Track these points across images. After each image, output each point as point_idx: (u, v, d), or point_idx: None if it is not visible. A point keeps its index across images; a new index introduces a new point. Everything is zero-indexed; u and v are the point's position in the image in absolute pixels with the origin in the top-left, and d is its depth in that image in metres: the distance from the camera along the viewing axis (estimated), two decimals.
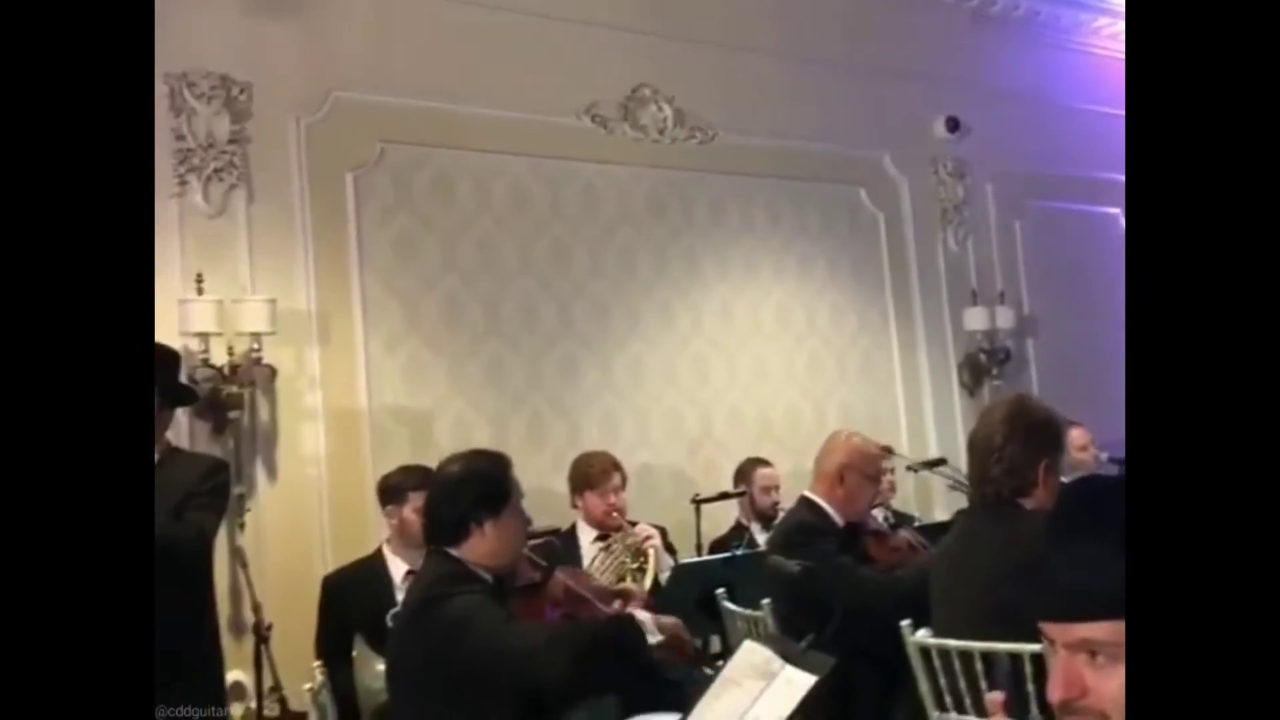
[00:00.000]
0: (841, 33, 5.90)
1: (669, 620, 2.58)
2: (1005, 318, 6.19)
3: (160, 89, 4.18)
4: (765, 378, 5.67)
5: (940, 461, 4.57)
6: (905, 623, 2.74)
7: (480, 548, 2.54)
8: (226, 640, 3.82)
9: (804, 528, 3.54)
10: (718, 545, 4.70)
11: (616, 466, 4.47)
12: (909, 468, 4.89)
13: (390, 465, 4.11)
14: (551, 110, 5.05)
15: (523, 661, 2.38)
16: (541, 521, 3.90)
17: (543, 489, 4.58)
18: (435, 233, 4.80)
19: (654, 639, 2.48)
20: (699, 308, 5.51)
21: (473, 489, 2.56)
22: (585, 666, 2.41)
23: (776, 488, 4.98)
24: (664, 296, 5.41)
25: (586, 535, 4.43)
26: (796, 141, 5.70)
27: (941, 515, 5.11)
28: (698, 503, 4.60)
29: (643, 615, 2.55)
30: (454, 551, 2.55)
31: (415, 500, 3.80)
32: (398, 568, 3.83)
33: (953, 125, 6.25)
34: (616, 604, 2.73)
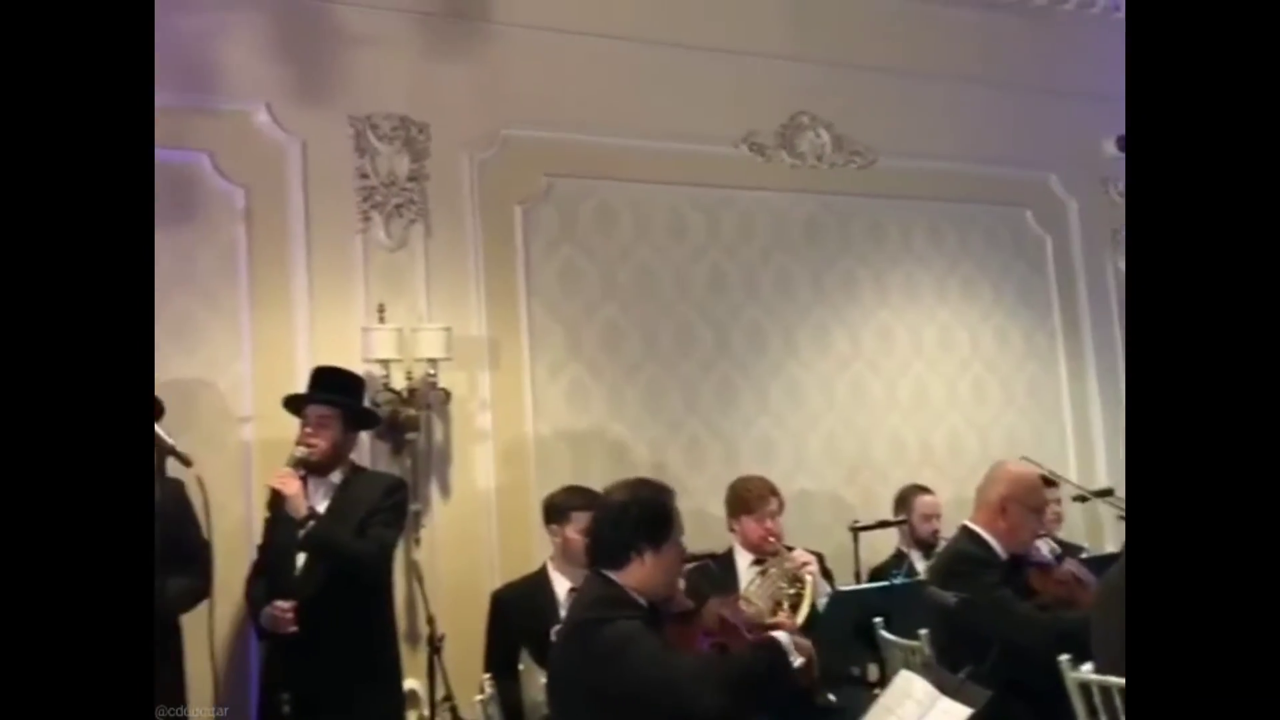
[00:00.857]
0: (1006, 53, 5.80)
1: (805, 642, 2.63)
2: None
3: (346, 131, 4.49)
4: (926, 402, 5.61)
5: (1108, 491, 4.44)
6: (1064, 658, 2.70)
7: (639, 575, 2.64)
8: (403, 650, 4.06)
9: (965, 558, 3.50)
10: (877, 573, 4.68)
11: (774, 491, 4.51)
12: (1076, 497, 4.75)
13: (554, 484, 4.27)
14: (710, 140, 5.16)
15: (677, 689, 2.46)
16: (698, 545, 3.98)
17: (699, 512, 4.67)
18: (597, 262, 4.97)
19: (796, 661, 2.52)
20: (857, 331, 5.50)
21: (637, 518, 2.66)
22: (738, 697, 2.47)
23: (937, 516, 4.92)
24: (821, 320, 5.43)
25: (743, 559, 4.48)
26: (959, 164, 5.63)
27: (1111, 547, 4.94)
28: (855, 530, 4.60)
29: (782, 636, 2.60)
30: (613, 575, 2.66)
31: (578, 520, 3.94)
32: (561, 585, 3.97)
33: (1124, 144, 6.05)
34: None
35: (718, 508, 4.63)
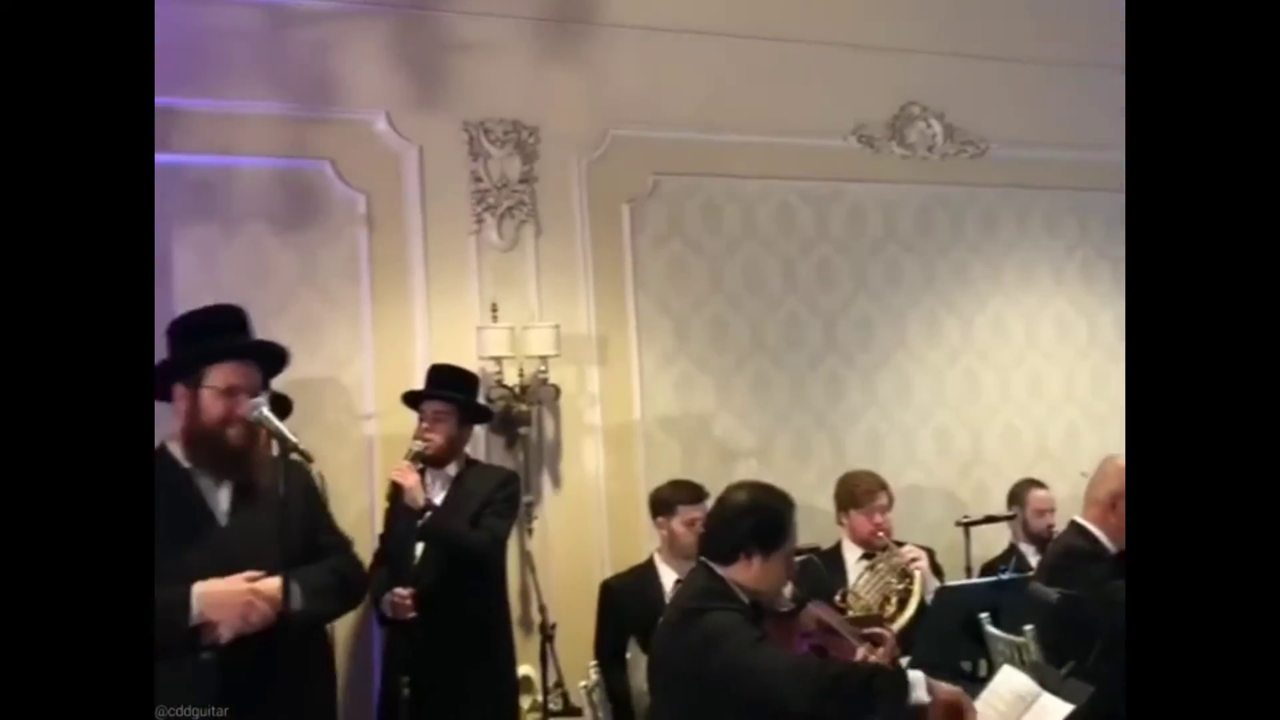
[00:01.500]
0: (1119, 37, 5.61)
1: (948, 688, 2.47)
2: None
3: (460, 136, 4.65)
4: (1041, 395, 5.50)
5: None
6: None
7: (745, 575, 2.69)
8: (516, 637, 4.20)
9: (1073, 553, 3.44)
10: (988, 568, 4.62)
11: (883, 486, 4.50)
12: None
13: (662, 477, 4.36)
14: (818, 133, 5.16)
15: (768, 682, 2.49)
16: (805, 539, 4.01)
17: (807, 506, 4.65)
18: (704, 257, 5.02)
19: (922, 698, 2.39)
20: (969, 323, 5.43)
21: (753, 523, 2.70)
22: (828, 704, 2.47)
23: (1051, 510, 4.83)
24: (932, 311, 5.37)
25: (851, 554, 4.49)
26: (1076, 151, 5.48)
27: None
28: (964, 525, 4.55)
29: (916, 675, 2.46)
30: (720, 570, 2.71)
31: (684, 513, 4.02)
32: (668, 576, 4.06)
33: None
34: (863, 650, 2.76)
35: (825, 502, 4.64)
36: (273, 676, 2.46)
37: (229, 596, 2.46)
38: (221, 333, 2.67)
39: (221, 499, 2.61)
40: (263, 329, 4.21)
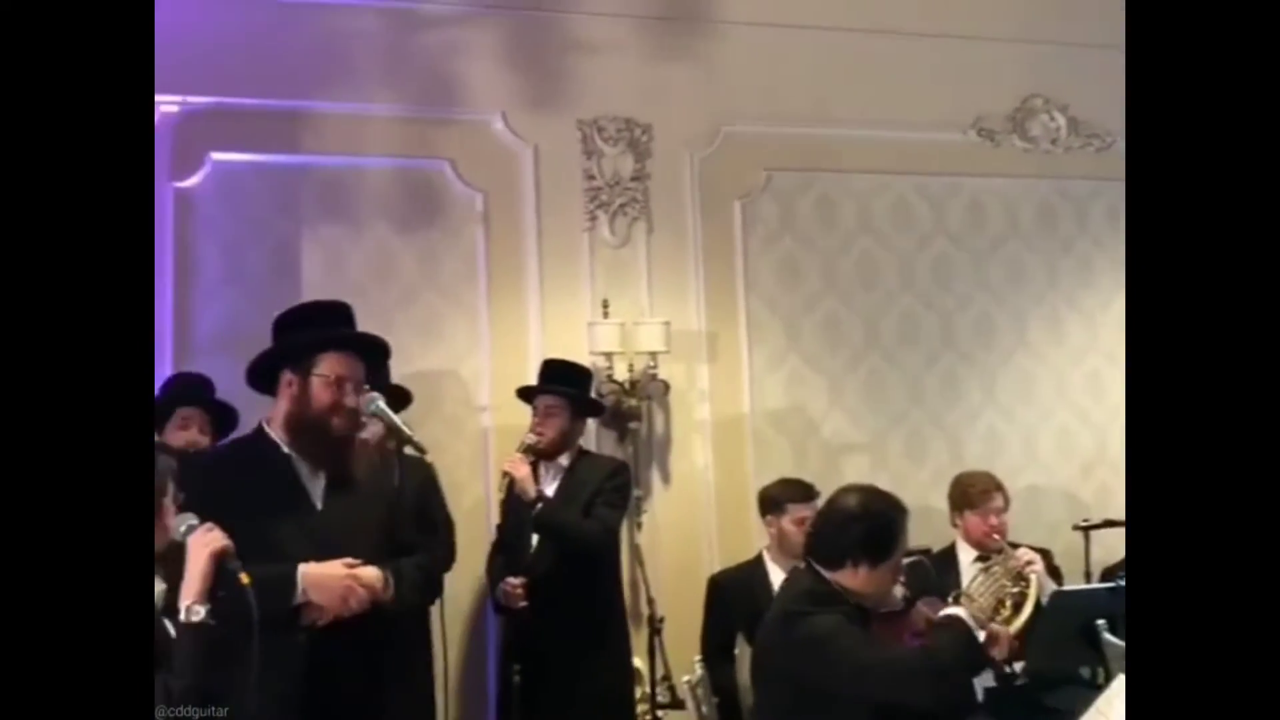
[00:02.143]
0: None
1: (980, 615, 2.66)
2: None
3: (574, 135, 4.73)
4: None
5: None
6: None
7: (851, 581, 2.65)
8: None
9: None
10: (1108, 573, 4.47)
11: (999, 487, 4.40)
12: None
13: (771, 475, 4.35)
14: (936, 127, 5.07)
15: (888, 682, 2.48)
16: (919, 540, 3.95)
17: (921, 506, 4.60)
18: (816, 253, 4.99)
19: (980, 634, 2.56)
20: (1094, 320, 5.26)
21: (863, 530, 2.65)
22: (950, 684, 2.47)
23: None
24: (1055, 309, 5.22)
25: (966, 555, 4.40)
26: None
27: None
28: (1083, 529, 4.42)
29: (959, 611, 2.63)
30: (826, 573, 2.69)
31: (793, 512, 4.01)
32: (776, 574, 4.05)
33: None
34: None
35: (940, 501, 4.56)
36: (364, 662, 2.53)
37: (331, 580, 2.52)
38: (331, 326, 2.74)
39: (318, 485, 2.67)
40: (386, 325, 4.41)
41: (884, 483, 4.70)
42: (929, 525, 4.39)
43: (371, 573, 2.56)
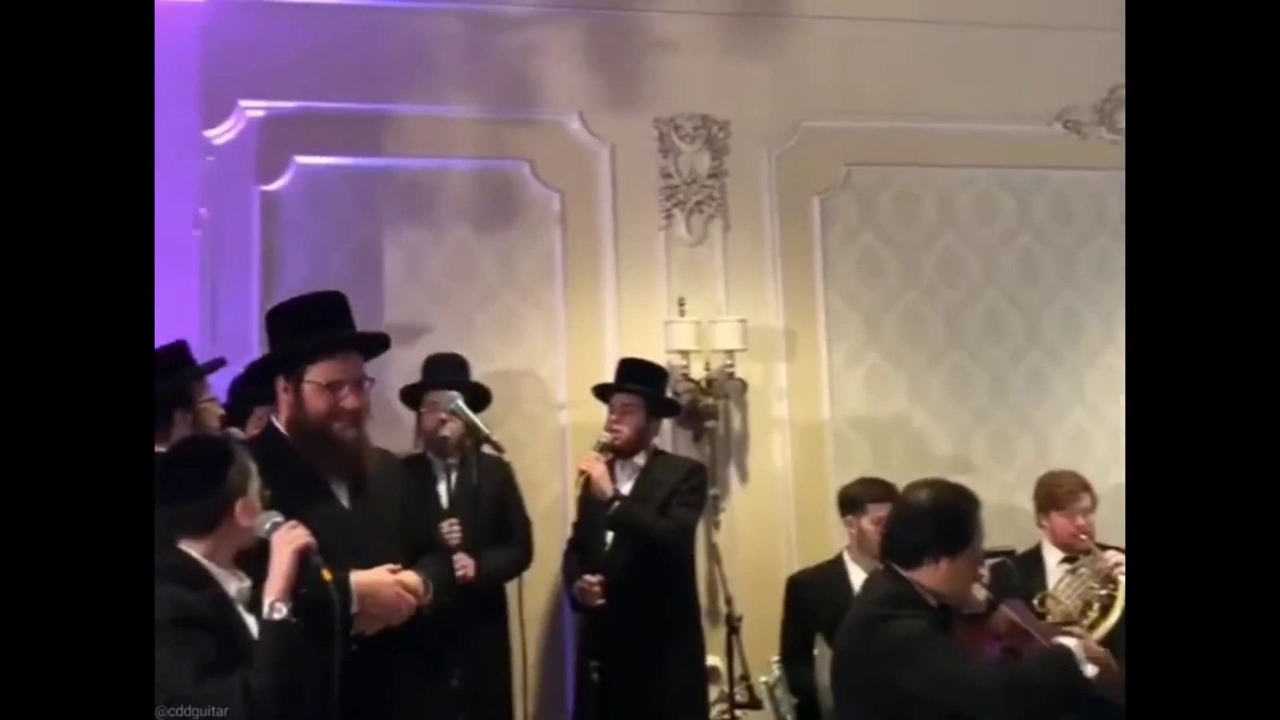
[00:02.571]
0: None
1: (1098, 650, 2.52)
2: None
3: (651, 134, 4.73)
4: None
5: None
6: None
7: (930, 578, 2.59)
8: (704, 627, 4.24)
9: None
10: None
11: (1086, 487, 4.28)
12: None
13: (851, 474, 4.30)
14: (1020, 119, 4.95)
15: (968, 695, 2.42)
16: (1004, 540, 3.87)
17: (1006, 506, 4.52)
18: (897, 249, 4.92)
19: (1088, 670, 2.43)
20: None
21: (936, 523, 2.59)
22: (1030, 708, 2.41)
23: None
24: None
25: (1052, 556, 4.29)
26: None
27: None
28: None
29: (1072, 644, 2.50)
30: (905, 573, 2.64)
31: (873, 512, 3.95)
32: (857, 574, 3.99)
33: None
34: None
35: (1025, 502, 4.45)
36: (426, 665, 2.52)
37: (383, 589, 2.44)
38: (324, 323, 2.61)
39: (342, 485, 2.59)
40: (467, 325, 4.49)
41: (967, 483, 4.64)
42: (1014, 526, 4.30)
43: (414, 578, 2.49)
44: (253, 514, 2.19)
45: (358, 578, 2.42)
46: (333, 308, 2.64)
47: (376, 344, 2.76)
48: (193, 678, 2.00)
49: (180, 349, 3.11)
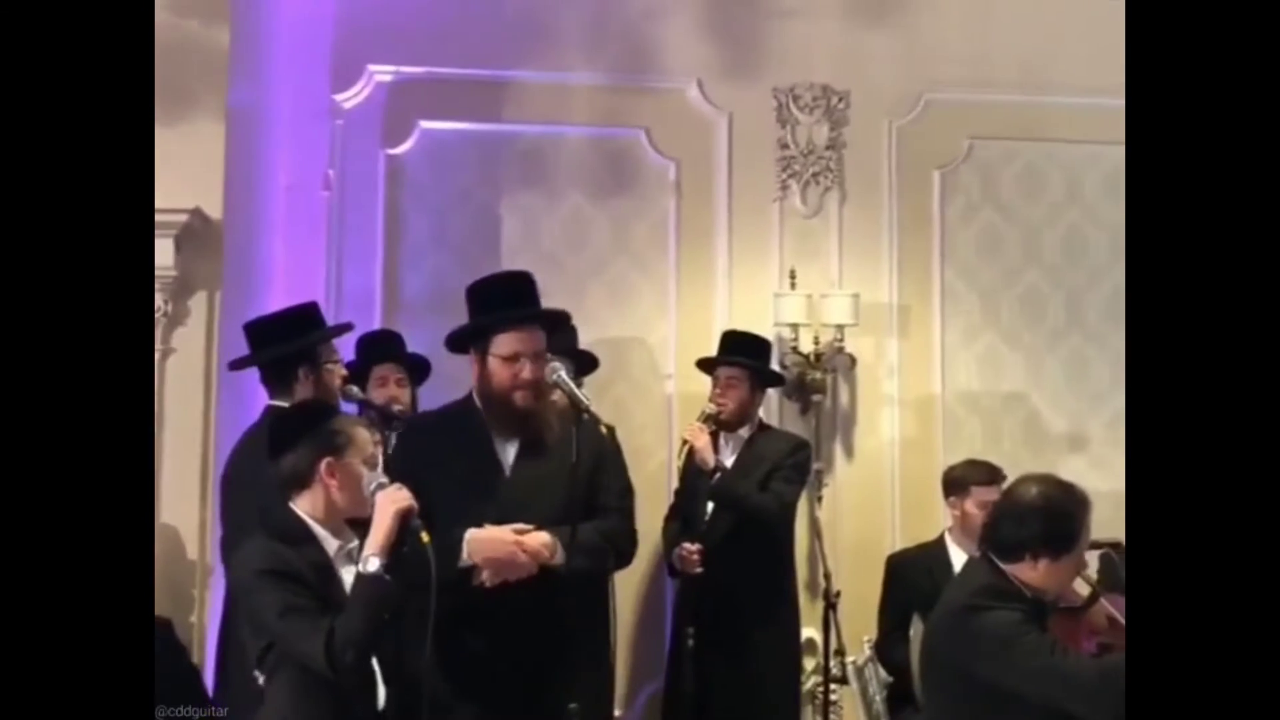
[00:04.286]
0: None
1: None
2: None
3: (769, 103, 4.69)
4: None
5: None
6: None
7: (1029, 575, 2.53)
8: (802, 601, 4.26)
9: None
10: None
11: None
12: None
13: (961, 454, 4.24)
14: None
15: (1070, 691, 2.39)
16: (1121, 531, 3.76)
17: (1122, 495, 4.38)
18: (1019, 226, 4.78)
19: None
20: None
21: (1042, 522, 2.52)
22: (1124, 702, 2.36)
23: None
24: None
25: None
26: None
27: None
28: None
29: None
30: (1003, 565, 2.59)
31: (977, 494, 3.89)
32: (958, 557, 3.94)
33: None
34: None
35: None
36: (534, 623, 2.65)
37: (495, 546, 2.67)
38: (511, 300, 2.85)
39: (509, 453, 2.83)
40: (578, 291, 4.56)
41: (1084, 467, 4.58)
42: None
43: (540, 538, 2.68)
44: (335, 474, 2.30)
45: (474, 534, 2.65)
46: (518, 286, 2.88)
47: (558, 320, 3.01)
48: (276, 616, 2.16)
49: (312, 310, 3.25)
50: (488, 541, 2.68)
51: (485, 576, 2.68)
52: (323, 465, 2.29)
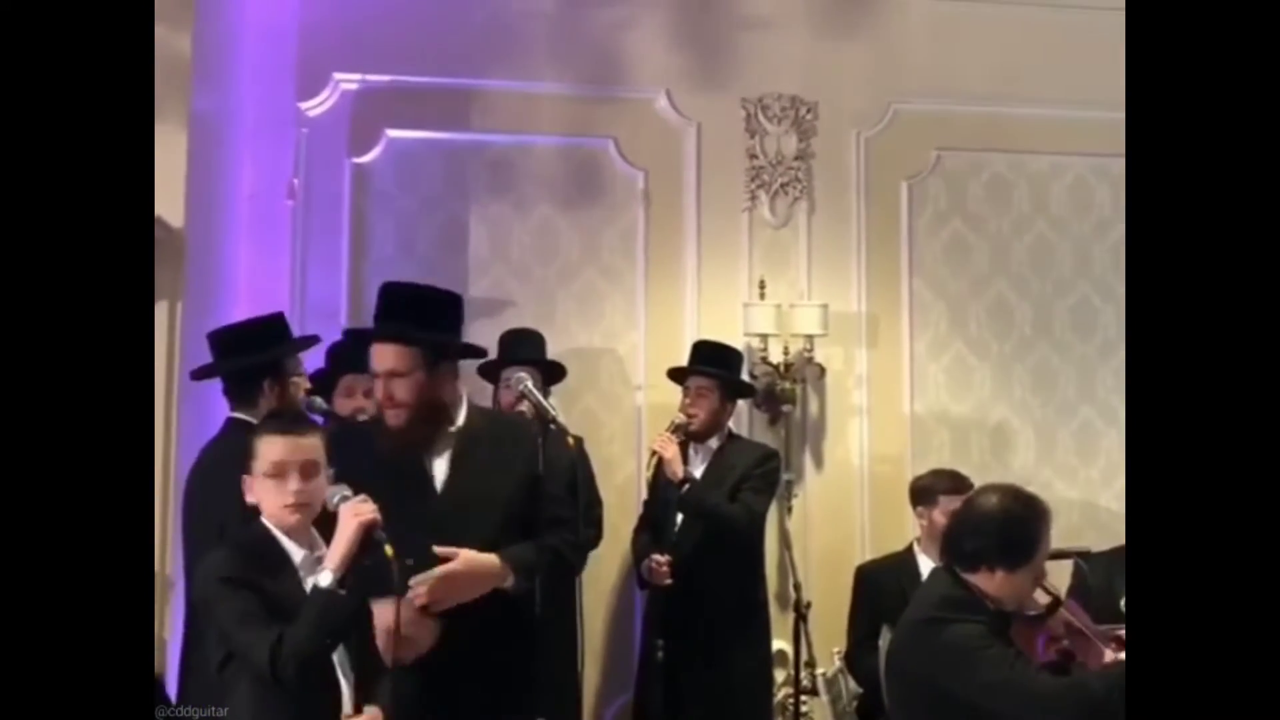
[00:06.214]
0: None
1: None
2: None
3: (738, 114, 4.70)
4: None
5: None
6: None
7: (986, 585, 2.53)
8: (772, 612, 4.25)
9: None
10: None
11: None
12: None
13: (929, 464, 4.26)
14: (1119, 106, 4.70)
15: (1030, 705, 2.38)
16: (1087, 539, 3.79)
17: (1089, 504, 4.43)
18: (987, 237, 4.81)
19: None
20: None
21: (1000, 533, 2.52)
22: (1087, 717, 2.35)
23: None
24: None
25: None
26: None
27: None
28: None
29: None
30: (964, 575, 2.58)
31: (945, 504, 3.89)
32: (926, 566, 3.94)
33: None
34: (1109, 652, 2.59)
35: (1111, 501, 4.37)
36: (500, 635, 2.59)
37: (448, 572, 2.53)
38: (379, 314, 2.79)
39: (440, 467, 2.70)
40: (548, 302, 4.54)
41: (1050, 478, 4.60)
42: (1097, 524, 4.22)
43: (487, 561, 2.58)
44: (249, 488, 2.29)
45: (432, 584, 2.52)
46: (388, 300, 2.83)
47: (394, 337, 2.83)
48: (236, 623, 2.15)
49: (278, 321, 3.20)
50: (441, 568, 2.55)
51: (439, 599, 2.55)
52: (245, 479, 2.30)
